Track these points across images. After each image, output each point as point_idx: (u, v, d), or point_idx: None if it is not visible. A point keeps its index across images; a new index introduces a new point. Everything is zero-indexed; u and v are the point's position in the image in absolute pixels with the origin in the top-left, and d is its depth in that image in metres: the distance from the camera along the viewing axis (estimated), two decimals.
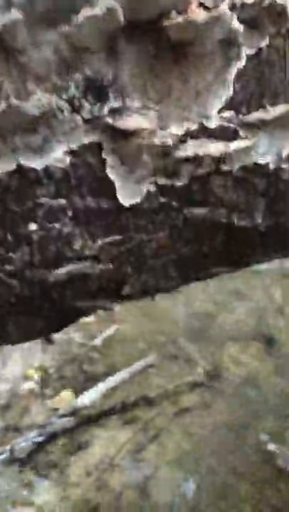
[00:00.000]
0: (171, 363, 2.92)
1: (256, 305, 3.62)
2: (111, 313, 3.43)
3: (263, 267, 4.28)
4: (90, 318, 3.42)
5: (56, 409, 2.45)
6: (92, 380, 2.68)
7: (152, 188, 0.74)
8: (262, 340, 3.14)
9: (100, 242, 0.77)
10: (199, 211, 0.80)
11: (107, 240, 0.78)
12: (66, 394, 2.57)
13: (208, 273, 0.97)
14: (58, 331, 0.98)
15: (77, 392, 2.59)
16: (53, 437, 2.27)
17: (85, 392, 2.42)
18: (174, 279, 0.92)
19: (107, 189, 0.71)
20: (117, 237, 0.78)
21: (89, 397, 2.34)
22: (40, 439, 2.19)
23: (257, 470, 2.11)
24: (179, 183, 0.75)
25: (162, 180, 0.74)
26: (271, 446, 2.16)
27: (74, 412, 2.35)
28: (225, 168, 0.76)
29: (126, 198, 0.73)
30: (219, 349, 3.06)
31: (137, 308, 3.64)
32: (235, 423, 2.40)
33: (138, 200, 0.74)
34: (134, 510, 1.98)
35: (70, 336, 2.92)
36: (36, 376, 2.70)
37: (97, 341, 3.07)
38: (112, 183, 0.71)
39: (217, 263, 0.95)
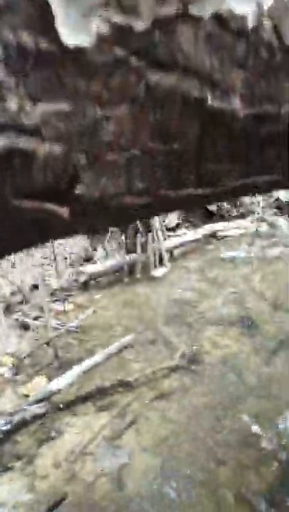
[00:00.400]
0: (149, 348, 2.63)
1: (236, 291, 3.35)
2: (89, 301, 3.14)
3: (242, 255, 4.03)
4: (68, 306, 3.12)
5: (28, 396, 2.15)
6: (67, 366, 2.38)
7: (105, 29, 0.49)
8: (241, 324, 2.87)
9: (41, 108, 0.51)
10: (165, 79, 0.54)
11: (51, 107, 0.52)
12: (39, 380, 2.27)
13: (181, 195, 0.69)
14: (14, 250, 0.70)
15: (52, 378, 2.29)
16: (22, 425, 1.97)
17: (58, 377, 2.12)
18: (140, 192, 0.63)
19: (47, 24, 0.46)
20: (64, 106, 0.53)
21: (62, 382, 2.04)
22: (7, 427, 1.88)
23: (238, 454, 1.82)
24: (138, 27, 0.49)
25: (118, 18, 0.49)
26: (254, 428, 1.88)
27: (46, 399, 2.05)
28: (195, 12, 0.51)
29: (70, 36, 0.48)
30: (199, 334, 2.77)
31: (116, 297, 3.35)
32: (216, 406, 2.12)
33: (86, 42, 0.48)
34: (108, 502, 1.68)
35: (47, 322, 2.62)
36: (9, 363, 2.39)
37: (74, 327, 2.77)
38: (52, 15, 0.46)
39: (191, 178, 0.67)
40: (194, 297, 3.27)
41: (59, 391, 2.05)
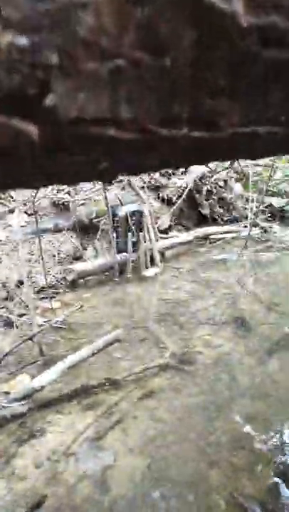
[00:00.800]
0: (139, 346, 2.52)
1: (229, 293, 3.27)
2: (77, 299, 3.03)
3: (235, 257, 3.96)
4: (55, 304, 3.00)
5: (9, 394, 2.02)
6: (52, 364, 2.26)
7: None
8: (234, 325, 2.78)
9: None
10: None
11: None
12: (22, 378, 2.15)
13: (174, 135, 0.59)
14: None
15: (36, 376, 2.16)
16: (1, 424, 1.84)
17: (42, 374, 2.00)
18: (127, 121, 0.54)
19: None
20: None
21: (46, 379, 1.92)
22: None
23: (231, 456, 1.71)
24: None
25: None
26: (247, 429, 1.78)
27: (28, 396, 1.93)
28: None
29: None
30: (190, 333, 2.68)
31: (106, 296, 3.24)
32: (208, 406, 2.01)
33: None
34: (90, 505, 1.56)
35: (33, 319, 2.50)
36: None
37: (61, 324, 2.65)
38: None
39: (184, 116, 0.58)
40: (186, 297, 3.18)
41: (42, 388, 1.93)
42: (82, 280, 3.44)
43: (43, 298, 3.16)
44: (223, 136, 0.62)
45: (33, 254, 3.31)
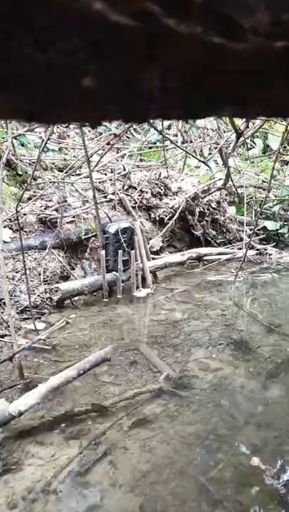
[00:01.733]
0: (130, 370, 2.30)
1: (226, 314, 3.09)
2: (66, 317, 2.81)
3: (230, 279, 3.80)
4: (39, 325, 2.79)
5: None
6: (33, 388, 2.04)
7: None
8: (232, 346, 2.59)
9: None
10: None
11: None
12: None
13: (189, 33, 0.43)
14: None
15: (14, 400, 1.93)
16: None
17: (20, 398, 1.77)
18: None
19: None
20: None
21: (25, 404, 1.69)
22: None
23: (237, 494, 1.49)
24: None
25: None
26: (254, 462, 1.56)
27: (4, 424, 1.70)
28: None
29: None
30: (186, 356, 2.47)
31: (94, 317, 3.04)
32: (207, 436, 1.79)
33: None
34: None
35: (13, 339, 2.28)
36: None
37: (44, 345, 2.43)
38: None
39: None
40: (180, 318, 2.99)
41: (20, 415, 1.70)
42: (68, 300, 3.23)
43: (26, 318, 2.94)
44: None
45: (17, 272, 3.11)
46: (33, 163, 4.50)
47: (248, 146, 6.50)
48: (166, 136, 4.84)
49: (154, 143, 6.18)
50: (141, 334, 2.77)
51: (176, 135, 6.21)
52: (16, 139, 4.47)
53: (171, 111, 0.59)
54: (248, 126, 2.47)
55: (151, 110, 0.54)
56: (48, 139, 2.47)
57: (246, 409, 1.97)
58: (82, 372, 1.81)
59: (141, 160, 5.42)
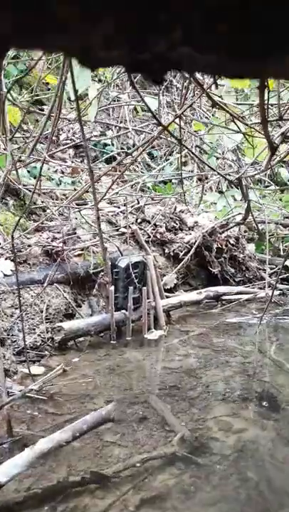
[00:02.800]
0: (138, 427, 1.98)
1: (248, 362, 2.76)
2: (65, 364, 2.52)
3: (252, 321, 3.49)
4: (37, 370, 2.50)
5: None
6: (23, 448, 1.73)
7: None
8: (257, 401, 2.26)
9: None
10: None
11: None
12: None
13: None
14: None
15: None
16: None
17: (2, 464, 1.47)
18: None
19: None
20: None
21: (6, 473, 1.39)
22: None
23: None
24: None
25: None
26: None
27: None
28: None
29: None
30: (203, 412, 2.15)
31: (100, 362, 2.74)
32: None
33: None
34: None
35: (2, 387, 1.99)
36: None
37: (40, 395, 2.13)
38: None
39: None
40: (197, 366, 2.67)
41: (1, 487, 1.39)
42: (72, 341, 2.95)
43: (22, 361, 2.66)
44: None
45: (16, 308, 2.86)
46: (44, 193, 4.36)
47: (266, 182, 6.32)
48: (183, 171, 4.68)
49: (170, 180, 6.04)
50: (152, 384, 2.46)
51: (192, 171, 6.07)
52: (27, 170, 4.36)
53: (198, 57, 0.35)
54: (284, 141, 2.23)
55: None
56: (45, 159, 2.28)
57: (280, 486, 1.63)
58: (77, 435, 1.51)
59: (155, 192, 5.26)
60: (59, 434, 1.49)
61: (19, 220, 1.88)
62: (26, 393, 1.96)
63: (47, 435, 1.84)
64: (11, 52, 4.34)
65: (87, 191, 3.90)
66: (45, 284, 3.01)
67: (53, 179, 4.69)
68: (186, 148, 2.57)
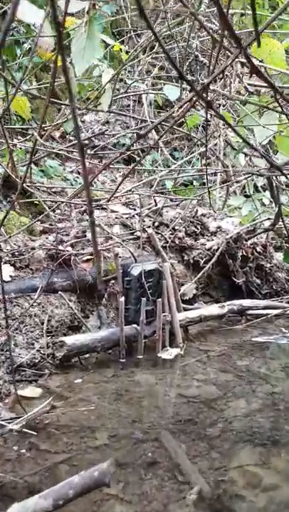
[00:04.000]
0: (146, 476, 1.65)
1: (279, 392, 2.41)
2: (66, 386, 2.22)
3: (282, 341, 3.13)
4: (34, 391, 2.20)
5: None
6: (7, 502, 1.43)
7: None
8: None
9: None
10: None
11: None
12: None
13: None
14: None
15: None
16: None
17: None
18: None
19: None
20: None
21: None
22: None
23: None
24: None
25: None
26: None
27: None
28: None
29: None
30: (226, 458, 1.80)
31: (106, 384, 2.42)
32: None
33: None
34: None
35: None
36: None
37: (32, 430, 1.82)
38: None
39: None
40: (218, 395, 2.32)
41: None
42: (76, 359, 2.64)
43: (19, 381, 2.36)
44: None
45: (13, 319, 2.57)
46: (54, 192, 4.09)
47: None
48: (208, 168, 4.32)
49: (191, 182, 5.70)
50: (164, 416, 2.12)
51: (216, 174, 5.72)
52: (36, 165, 4.10)
53: None
54: None
55: None
56: (36, 141, 1.98)
57: None
58: (61, 503, 1.18)
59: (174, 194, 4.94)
60: (37, 499, 1.17)
61: (5, 216, 1.57)
62: (4, 434, 1.64)
63: (35, 484, 1.54)
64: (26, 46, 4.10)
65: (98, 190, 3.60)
66: (37, 293, 2.72)
67: (68, 179, 4.44)
68: (219, 116, 2.23)
